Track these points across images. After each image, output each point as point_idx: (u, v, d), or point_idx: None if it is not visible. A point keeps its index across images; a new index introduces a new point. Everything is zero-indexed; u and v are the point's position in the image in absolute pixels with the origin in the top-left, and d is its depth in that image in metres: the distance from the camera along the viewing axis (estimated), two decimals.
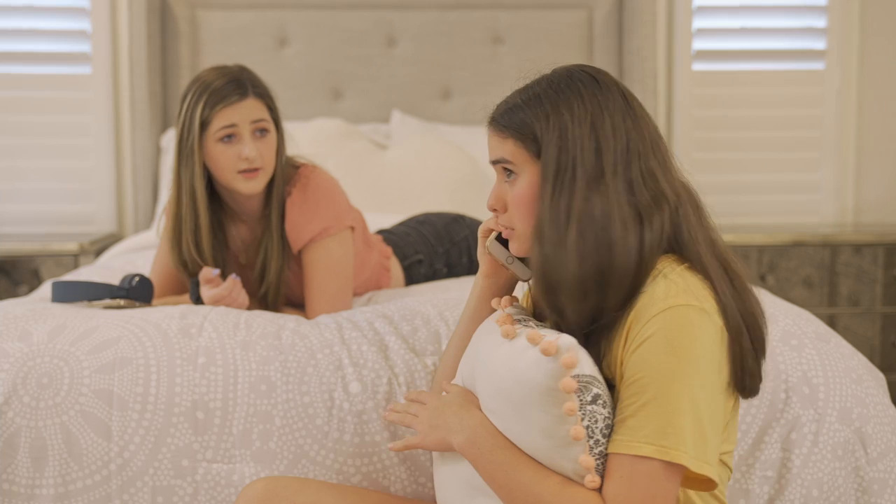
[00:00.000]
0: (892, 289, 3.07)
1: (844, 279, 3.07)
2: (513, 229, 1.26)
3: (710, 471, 1.12)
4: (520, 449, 1.17)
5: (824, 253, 3.07)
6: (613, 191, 1.17)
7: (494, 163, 1.25)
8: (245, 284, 2.00)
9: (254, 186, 1.90)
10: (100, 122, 3.34)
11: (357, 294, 2.12)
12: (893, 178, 3.55)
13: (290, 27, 3.36)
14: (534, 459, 1.16)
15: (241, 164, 1.87)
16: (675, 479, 1.12)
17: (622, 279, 1.16)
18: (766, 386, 1.56)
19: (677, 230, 1.20)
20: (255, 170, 1.88)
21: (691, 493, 1.20)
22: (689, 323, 1.13)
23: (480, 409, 1.23)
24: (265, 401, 1.54)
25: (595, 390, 1.14)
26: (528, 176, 1.22)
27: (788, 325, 1.67)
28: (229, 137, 1.87)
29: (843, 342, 1.69)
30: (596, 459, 1.13)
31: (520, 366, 1.15)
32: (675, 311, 1.13)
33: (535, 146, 1.21)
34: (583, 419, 1.13)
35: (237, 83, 1.89)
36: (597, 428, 1.14)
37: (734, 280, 1.21)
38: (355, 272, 2.07)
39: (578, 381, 1.13)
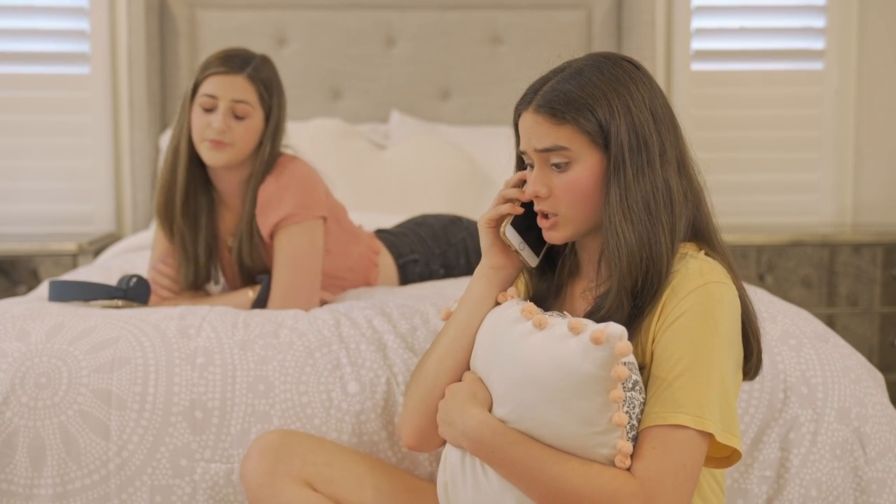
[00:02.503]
0: (890, 288, 3.07)
1: (843, 279, 3.07)
2: (556, 215, 1.24)
3: (737, 442, 1.15)
4: (532, 439, 1.17)
5: (823, 253, 3.07)
6: (674, 170, 1.22)
7: (544, 150, 1.22)
8: (231, 270, 2.04)
9: (216, 157, 1.91)
10: (98, 122, 3.34)
11: (347, 287, 2.12)
12: (892, 177, 3.56)
13: (288, 27, 3.36)
14: (547, 446, 1.16)
15: (208, 133, 1.89)
16: (703, 450, 1.14)
17: (673, 256, 1.20)
18: (765, 385, 1.56)
19: (699, 213, 1.25)
20: (222, 143, 1.89)
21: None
22: (724, 300, 1.17)
23: (481, 406, 1.22)
24: (263, 401, 1.54)
25: (634, 376, 1.16)
26: (587, 162, 1.21)
27: (787, 324, 1.67)
28: (209, 107, 1.90)
29: (842, 342, 1.69)
30: (630, 443, 1.15)
31: (561, 354, 1.14)
32: (711, 288, 1.17)
33: (599, 132, 1.20)
34: (623, 405, 1.14)
35: (238, 59, 1.92)
36: (634, 413, 1.15)
37: (743, 290, 1.25)
38: (335, 263, 2.07)
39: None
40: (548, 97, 1.22)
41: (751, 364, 1.24)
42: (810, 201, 3.53)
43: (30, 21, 3.33)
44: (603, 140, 1.20)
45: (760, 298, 1.82)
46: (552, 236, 1.26)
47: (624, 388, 1.14)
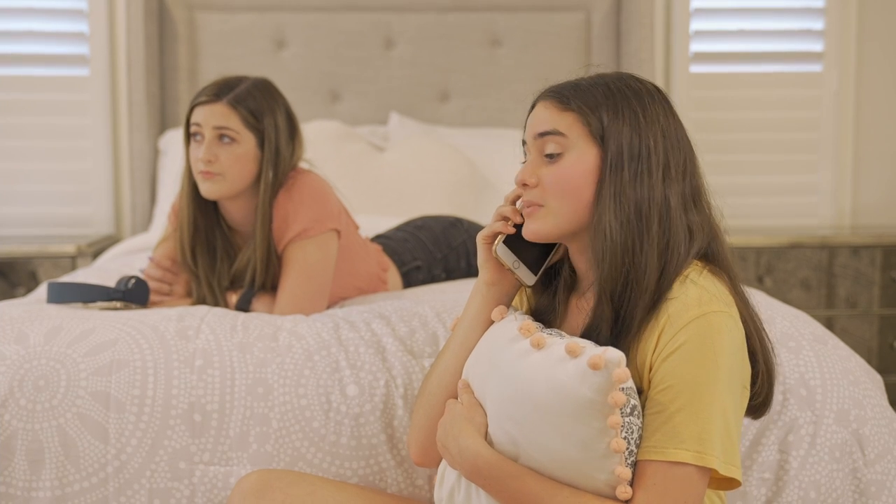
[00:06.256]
0: (889, 291, 3.07)
1: (842, 281, 3.07)
2: (541, 206, 1.23)
3: (738, 472, 1.14)
4: (530, 471, 1.16)
5: (822, 255, 3.07)
6: (678, 195, 1.20)
7: (543, 134, 1.22)
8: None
9: (208, 189, 1.91)
10: (98, 125, 3.34)
11: (349, 296, 2.12)
12: (891, 180, 3.56)
13: (288, 29, 3.36)
14: (546, 478, 1.15)
15: (198, 165, 1.90)
16: (704, 483, 1.13)
17: (669, 282, 1.18)
18: None
19: (715, 252, 1.23)
20: (211, 173, 1.89)
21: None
22: (722, 330, 1.14)
23: (476, 434, 1.21)
24: (262, 403, 1.54)
25: (633, 402, 1.14)
26: (580, 154, 1.20)
27: (786, 326, 1.67)
28: (199, 137, 1.92)
29: (841, 344, 1.70)
30: (629, 469, 1.13)
31: (559, 377, 1.12)
32: (710, 318, 1.14)
33: (599, 128, 1.20)
34: (621, 431, 1.12)
35: (220, 87, 1.92)
36: (632, 439, 1.13)
37: (752, 312, 1.24)
38: (344, 282, 2.06)
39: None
40: (563, 87, 1.24)
41: (758, 397, 1.23)
42: (809, 203, 3.53)
43: (29, 23, 3.33)
44: (601, 137, 1.20)
45: (759, 301, 1.82)
46: (531, 228, 1.24)
47: (622, 413, 1.12)
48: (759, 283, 3.06)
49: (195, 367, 1.56)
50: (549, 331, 1.23)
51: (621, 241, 1.17)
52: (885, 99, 3.53)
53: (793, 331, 1.66)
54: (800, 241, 3.08)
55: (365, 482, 1.52)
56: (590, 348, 1.13)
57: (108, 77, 3.34)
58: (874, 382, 1.64)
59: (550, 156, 1.22)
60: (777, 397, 1.56)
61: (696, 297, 1.16)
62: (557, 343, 1.17)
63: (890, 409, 1.61)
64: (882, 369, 3.00)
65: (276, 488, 1.34)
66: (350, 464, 1.52)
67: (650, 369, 1.16)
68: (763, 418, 1.54)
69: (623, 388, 1.12)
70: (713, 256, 1.23)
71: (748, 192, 3.51)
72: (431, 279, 2.31)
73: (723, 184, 3.46)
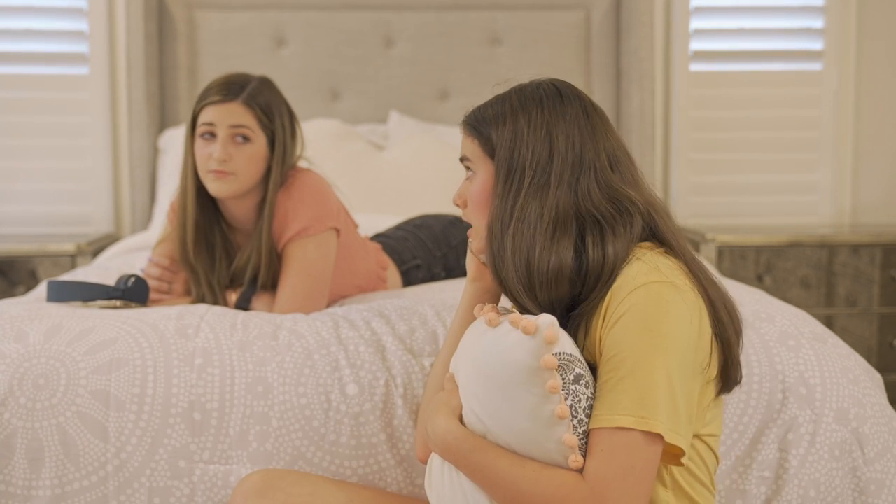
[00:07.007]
0: (889, 289, 3.07)
1: (842, 280, 3.07)
2: (472, 225, 1.32)
3: (682, 441, 1.15)
4: (494, 445, 1.19)
5: (822, 253, 3.07)
6: (553, 197, 1.23)
7: (460, 160, 1.32)
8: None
9: (219, 188, 1.90)
10: (97, 123, 3.34)
11: (349, 295, 2.12)
12: (890, 178, 3.56)
13: (287, 28, 3.36)
14: (509, 451, 1.18)
15: (210, 164, 1.89)
16: (653, 449, 1.13)
17: (559, 280, 1.21)
18: (764, 386, 1.56)
19: (659, 233, 1.26)
20: (225, 172, 1.89)
21: (676, 474, 1.22)
22: (662, 299, 1.16)
23: (450, 414, 1.25)
24: (262, 402, 1.54)
25: (577, 370, 1.16)
26: (482, 174, 1.28)
27: (786, 325, 1.67)
28: (209, 136, 1.90)
29: (841, 343, 1.70)
30: (580, 439, 1.15)
31: (504, 347, 1.17)
32: (648, 288, 1.17)
33: (489, 147, 1.27)
34: (566, 398, 1.14)
35: (232, 86, 1.91)
36: (580, 407, 1.15)
37: (708, 281, 1.25)
38: (343, 280, 2.06)
39: (560, 359, 1.15)
40: (470, 112, 1.31)
41: (724, 376, 1.23)
42: (809, 202, 3.53)
43: (28, 21, 3.33)
44: (492, 156, 1.27)
45: (759, 299, 1.82)
46: (472, 245, 1.33)
47: (564, 380, 1.15)
48: (759, 281, 3.06)
49: (195, 365, 1.56)
50: (509, 312, 1.28)
51: (488, 255, 1.26)
52: (885, 98, 3.53)
53: (792, 329, 1.66)
54: (799, 239, 3.08)
55: (364, 481, 1.52)
56: (530, 317, 1.17)
57: (107, 75, 3.33)
58: (874, 381, 1.64)
59: (469, 173, 1.31)
60: (777, 396, 1.56)
61: (637, 271, 1.19)
62: (506, 318, 1.21)
63: (889, 407, 1.61)
64: (882, 368, 3.01)
65: (278, 488, 1.35)
66: (350, 463, 1.52)
67: (600, 342, 1.19)
68: (762, 416, 1.54)
69: (559, 354, 1.14)
70: (660, 238, 1.26)
71: (748, 191, 3.51)
72: (431, 278, 2.31)
73: (722, 182, 3.50)
